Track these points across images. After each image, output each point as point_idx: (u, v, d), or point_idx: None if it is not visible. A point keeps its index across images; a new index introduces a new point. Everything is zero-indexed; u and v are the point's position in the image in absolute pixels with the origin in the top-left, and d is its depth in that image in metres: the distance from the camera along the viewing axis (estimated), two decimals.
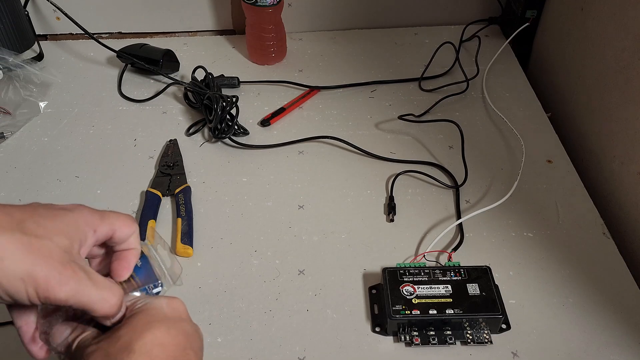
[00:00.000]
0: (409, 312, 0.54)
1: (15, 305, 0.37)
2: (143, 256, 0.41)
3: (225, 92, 0.86)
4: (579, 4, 0.80)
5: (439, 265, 0.61)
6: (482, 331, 0.55)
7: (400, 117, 0.81)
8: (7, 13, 0.83)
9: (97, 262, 0.41)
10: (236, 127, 0.78)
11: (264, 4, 0.85)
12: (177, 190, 0.70)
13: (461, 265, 0.59)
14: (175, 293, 0.41)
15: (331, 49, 0.97)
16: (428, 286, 0.56)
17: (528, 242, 0.65)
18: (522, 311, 0.58)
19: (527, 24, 0.91)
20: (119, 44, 0.90)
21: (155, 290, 0.41)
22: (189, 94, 0.85)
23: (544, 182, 0.72)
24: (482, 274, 0.57)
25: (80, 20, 0.88)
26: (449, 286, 0.56)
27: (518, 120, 0.80)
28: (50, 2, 0.89)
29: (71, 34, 0.99)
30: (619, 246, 0.65)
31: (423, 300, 0.55)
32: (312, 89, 0.87)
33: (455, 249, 0.63)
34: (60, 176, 0.74)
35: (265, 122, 0.81)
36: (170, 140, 0.78)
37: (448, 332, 0.55)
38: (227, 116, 0.78)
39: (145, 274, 0.41)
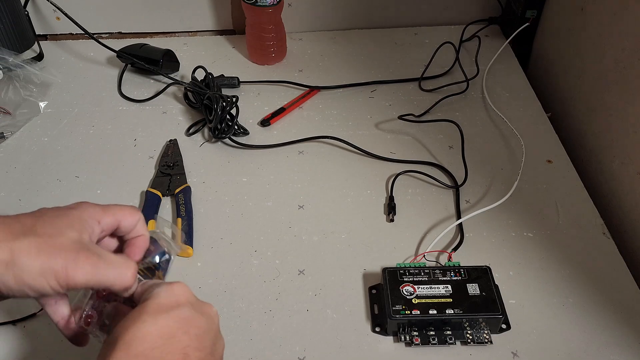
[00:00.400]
0: (409, 312, 0.54)
1: (47, 301, 0.41)
2: (152, 239, 0.46)
3: (225, 92, 0.86)
4: (579, 4, 0.80)
5: (439, 265, 0.61)
6: (482, 331, 0.55)
7: (400, 117, 0.81)
8: (7, 13, 0.83)
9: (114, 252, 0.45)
10: (236, 127, 0.78)
11: (264, 4, 0.85)
12: (177, 190, 0.70)
13: (461, 265, 0.59)
14: None
15: (331, 49, 0.97)
16: (428, 286, 0.56)
17: (528, 242, 0.65)
18: (522, 311, 0.58)
19: (527, 24, 0.91)
20: (119, 44, 0.90)
21: (164, 258, 0.45)
22: (189, 94, 0.85)
23: (544, 182, 0.72)
24: (482, 274, 0.57)
25: (80, 20, 0.88)
26: (449, 286, 0.56)
27: (518, 120, 0.80)
28: (50, 2, 0.89)
29: (71, 34, 0.99)
30: (619, 246, 0.65)
31: (423, 300, 0.55)
32: (312, 89, 0.87)
33: (455, 249, 0.63)
34: (60, 176, 0.74)
35: (265, 122, 0.81)
36: (170, 140, 0.78)
37: (448, 332, 0.55)
38: (227, 116, 0.78)
39: (155, 252, 0.46)
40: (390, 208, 0.68)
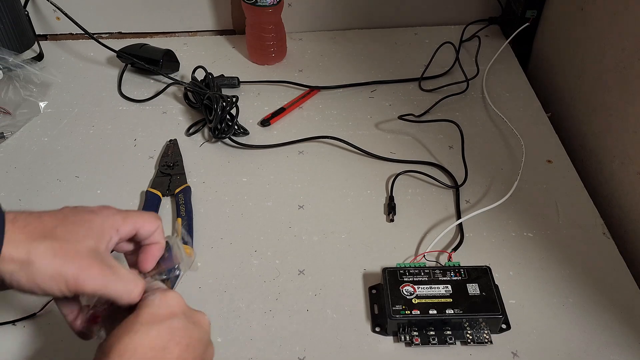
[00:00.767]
0: (409, 312, 0.54)
1: (60, 299, 0.42)
2: (168, 245, 0.47)
3: (225, 92, 0.86)
4: (579, 4, 0.80)
5: (439, 265, 0.61)
6: (482, 331, 0.55)
7: (400, 117, 0.81)
8: (7, 13, 0.83)
9: (128, 255, 0.47)
10: (236, 127, 0.78)
11: (264, 4, 0.85)
12: (177, 190, 0.70)
13: (461, 265, 0.59)
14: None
15: (331, 49, 0.97)
16: (428, 286, 0.56)
17: (528, 242, 0.65)
18: (522, 311, 0.58)
19: (527, 24, 0.91)
20: (119, 44, 0.90)
21: (173, 275, 0.47)
22: (189, 94, 0.85)
23: (544, 182, 0.72)
24: (482, 274, 0.57)
25: (80, 20, 0.88)
26: (449, 286, 0.56)
27: (518, 120, 0.80)
28: (50, 2, 0.89)
29: (71, 34, 0.99)
30: (619, 246, 0.65)
31: (423, 300, 0.55)
32: (312, 89, 0.87)
33: (455, 249, 0.63)
34: (60, 176, 0.74)
35: (265, 122, 0.81)
36: (170, 140, 0.78)
37: (448, 332, 0.55)
38: (227, 116, 0.78)
39: (169, 260, 0.47)
40: (390, 208, 0.68)
